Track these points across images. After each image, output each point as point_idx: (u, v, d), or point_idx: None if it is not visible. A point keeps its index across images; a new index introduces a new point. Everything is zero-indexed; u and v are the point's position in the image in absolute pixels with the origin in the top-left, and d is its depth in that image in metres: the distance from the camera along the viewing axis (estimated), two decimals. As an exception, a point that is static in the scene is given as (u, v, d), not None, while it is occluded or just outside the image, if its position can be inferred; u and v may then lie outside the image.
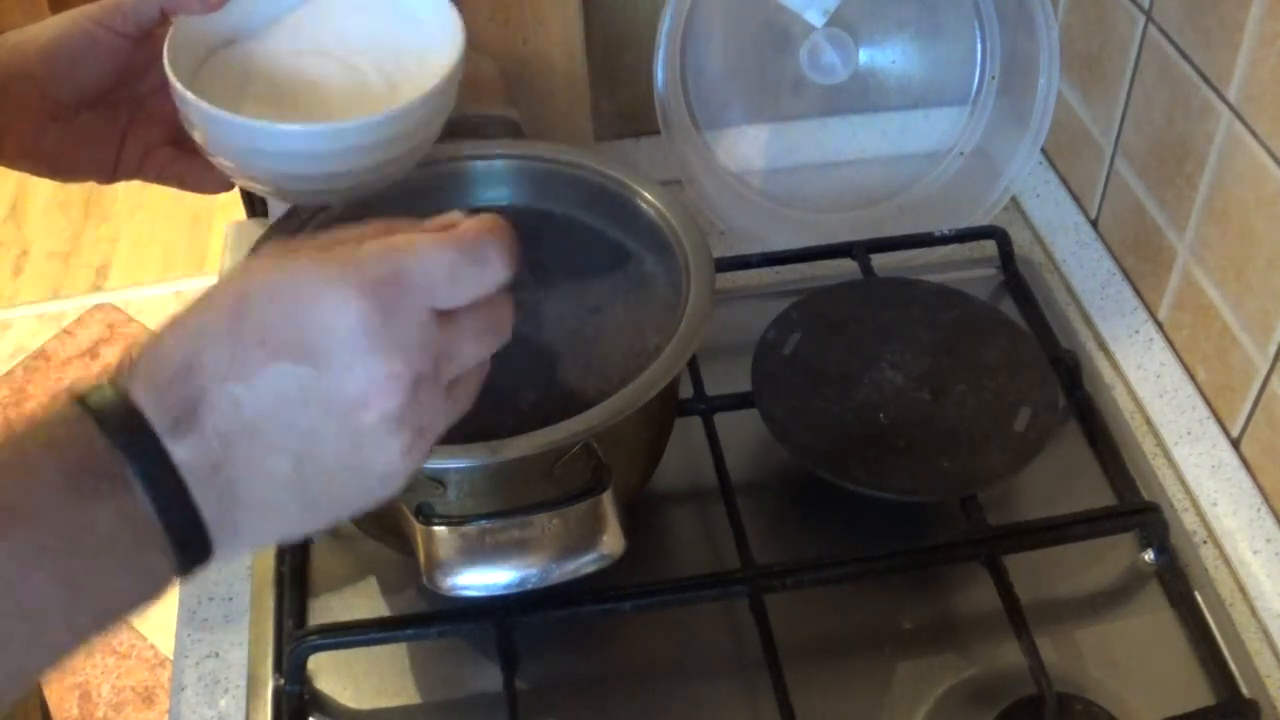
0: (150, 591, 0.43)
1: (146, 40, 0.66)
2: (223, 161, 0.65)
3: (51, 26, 0.65)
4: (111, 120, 0.68)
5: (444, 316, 0.45)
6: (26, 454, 0.41)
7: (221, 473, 0.42)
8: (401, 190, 0.67)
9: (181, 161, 0.69)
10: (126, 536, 0.41)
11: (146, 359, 0.43)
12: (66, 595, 0.41)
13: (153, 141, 0.69)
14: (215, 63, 0.68)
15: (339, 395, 0.43)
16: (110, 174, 0.69)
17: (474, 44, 0.68)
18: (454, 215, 0.47)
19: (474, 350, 0.47)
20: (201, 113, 0.62)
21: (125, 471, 0.41)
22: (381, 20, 0.70)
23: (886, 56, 0.97)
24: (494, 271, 0.46)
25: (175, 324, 0.44)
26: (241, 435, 0.42)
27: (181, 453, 0.42)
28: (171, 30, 0.65)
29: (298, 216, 0.72)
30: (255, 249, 0.70)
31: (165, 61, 0.63)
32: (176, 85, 0.62)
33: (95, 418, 0.41)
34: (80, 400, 0.42)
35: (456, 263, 0.45)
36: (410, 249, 0.44)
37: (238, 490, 0.43)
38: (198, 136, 0.64)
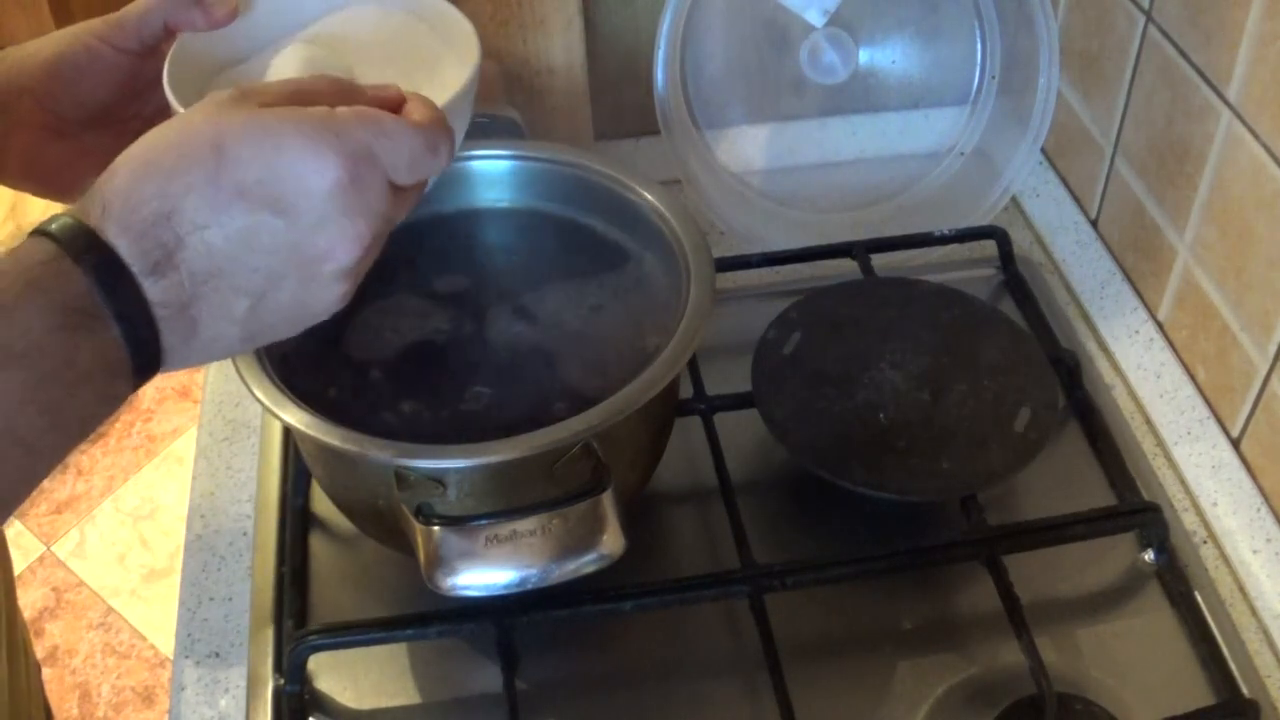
0: (110, 411, 0.47)
1: (150, 57, 0.65)
2: None
3: (54, 42, 0.64)
4: (115, 139, 0.67)
5: (395, 189, 0.50)
6: (6, 294, 0.44)
7: (188, 311, 0.47)
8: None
9: None
10: (102, 369, 0.45)
11: (120, 201, 0.46)
12: (53, 424, 0.45)
13: None
14: (221, 82, 0.67)
15: (307, 247, 0.48)
16: None
17: (480, 52, 0.68)
18: (393, 88, 0.53)
19: (418, 195, 0.53)
20: None
21: (105, 312, 0.45)
22: (395, 38, 0.69)
23: (886, 56, 0.97)
24: (441, 161, 0.51)
25: (146, 166, 0.47)
26: (212, 278, 0.47)
27: (156, 293, 0.46)
28: (174, 48, 0.63)
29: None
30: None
31: (165, 80, 0.61)
32: (175, 103, 0.61)
33: (71, 256, 0.45)
34: (47, 234, 0.45)
35: (418, 149, 0.50)
36: (382, 128, 0.49)
37: (198, 325, 0.47)
38: None
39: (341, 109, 0.49)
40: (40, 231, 0.45)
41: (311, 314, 0.51)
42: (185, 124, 0.48)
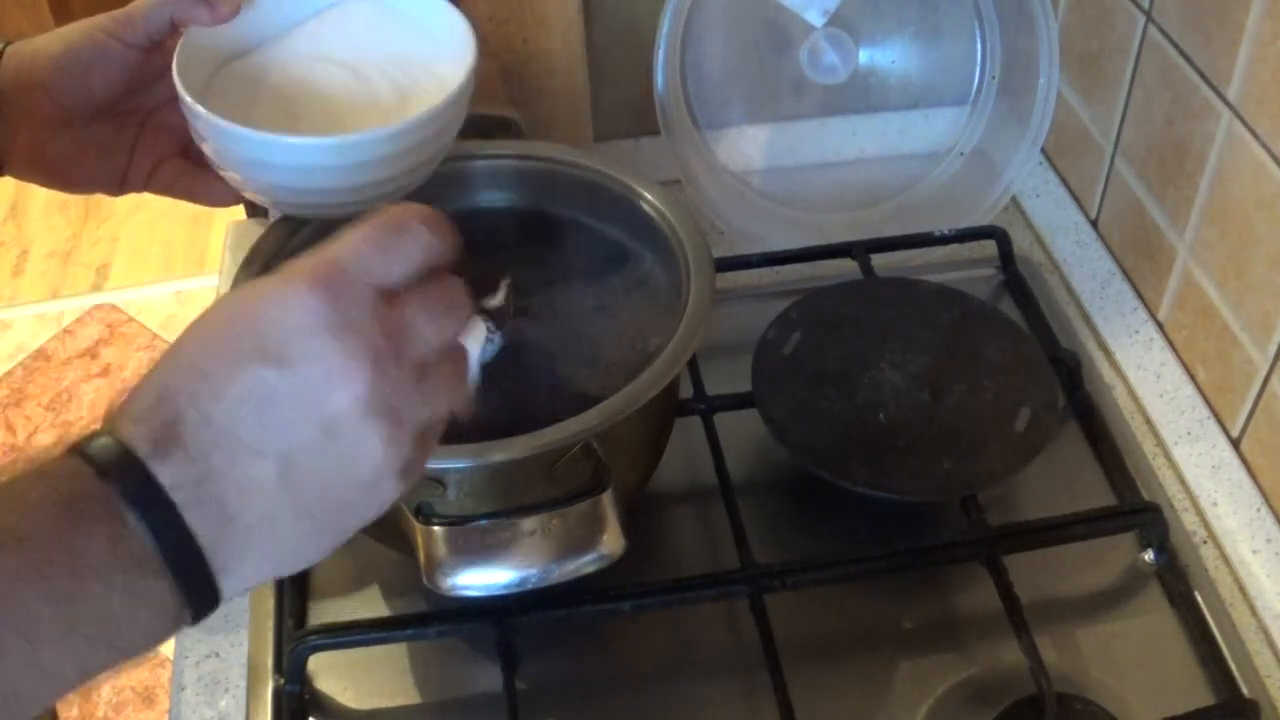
0: (157, 623, 0.43)
1: (157, 51, 0.66)
2: (232, 175, 0.65)
3: (62, 37, 0.65)
4: (121, 131, 0.68)
5: (390, 295, 0.46)
6: (18, 485, 0.42)
7: (207, 487, 0.43)
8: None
9: (191, 174, 0.69)
10: (121, 560, 0.42)
11: (128, 399, 0.44)
12: (60, 617, 0.41)
13: (162, 153, 0.69)
14: (226, 75, 0.68)
15: (304, 385, 0.44)
16: (119, 186, 0.69)
17: (477, 48, 0.68)
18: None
19: (432, 329, 0.47)
20: (210, 125, 0.62)
21: (113, 497, 0.42)
22: (393, 32, 0.70)
23: (886, 56, 0.97)
24: (419, 238, 0.47)
25: (150, 368, 0.45)
26: (219, 445, 0.43)
27: (165, 473, 0.42)
28: (181, 42, 0.65)
29: (297, 218, 0.72)
30: (254, 248, 0.70)
31: (175, 73, 0.63)
32: (185, 97, 0.62)
33: (84, 454, 0.43)
34: (73, 445, 0.43)
35: (382, 237, 0.47)
36: (340, 242, 0.46)
37: (228, 504, 0.43)
38: (207, 149, 0.64)
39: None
40: (70, 446, 0.44)
41: (365, 473, 0.46)
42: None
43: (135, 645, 0.43)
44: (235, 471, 0.43)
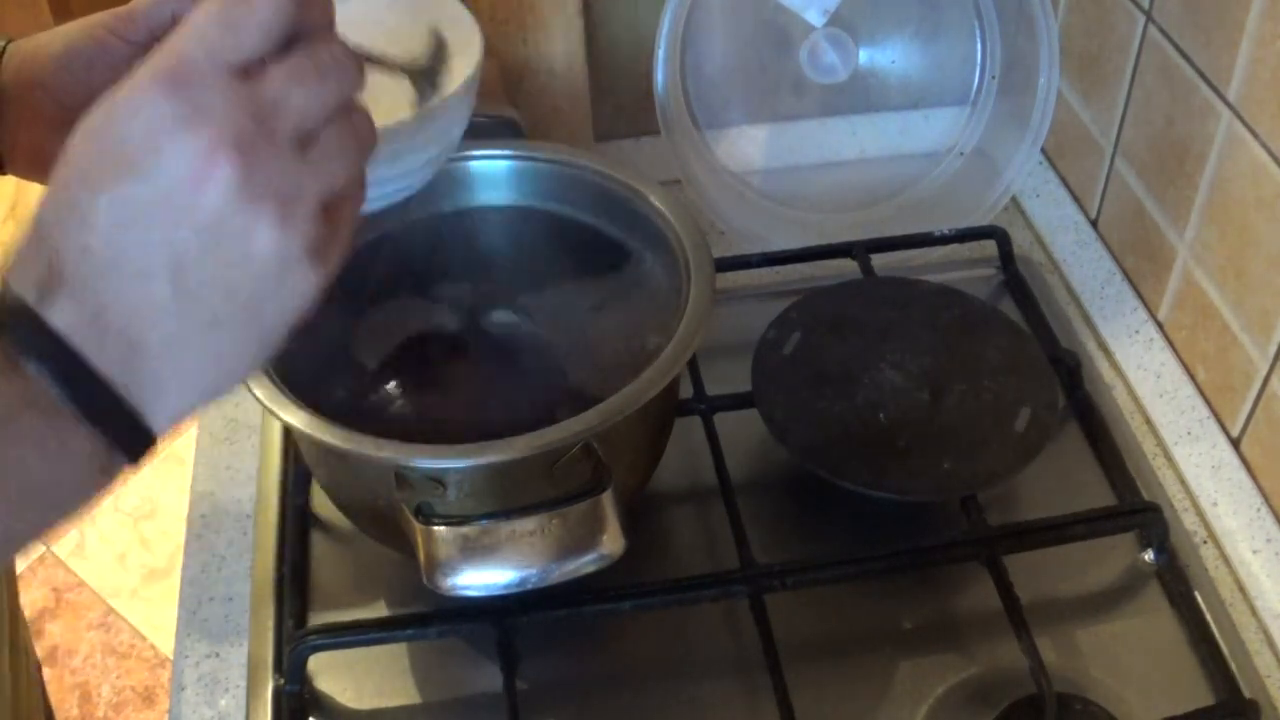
0: (84, 474, 0.42)
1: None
2: None
3: (62, 35, 0.65)
4: None
5: (246, 72, 0.42)
6: None
7: (104, 321, 0.41)
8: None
9: None
10: (31, 414, 0.41)
11: (10, 252, 0.42)
12: None
13: None
14: None
15: (171, 190, 0.41)
16: None
17: (484, 46, 0.68)
18: None
19: (305, 94, 0.44)
20: None
21: (8, 350, 0.40)
22: (395, 33, 0.70)
23: (886, 56, 0.97)
24: (264, 3, 0.43)
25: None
26: (104, 274, 0.41)
27: (56, 315, 0.41)
28: None
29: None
30: None
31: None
32: None
33: None
34: None
35: (222, 10, 0.42)
36: (178, 30, 0.43)
37: (129, 333, 0.42)
38: None
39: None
40: None
41: (269, 268, 0.43)
42: None
43: (66, 500, 0.42)
44: (127, 297, 0.41)
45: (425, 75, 0.59)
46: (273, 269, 0.43)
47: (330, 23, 0.46)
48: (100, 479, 0.43)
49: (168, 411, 0.43)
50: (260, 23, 0.43)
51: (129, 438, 0.43)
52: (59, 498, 0.42)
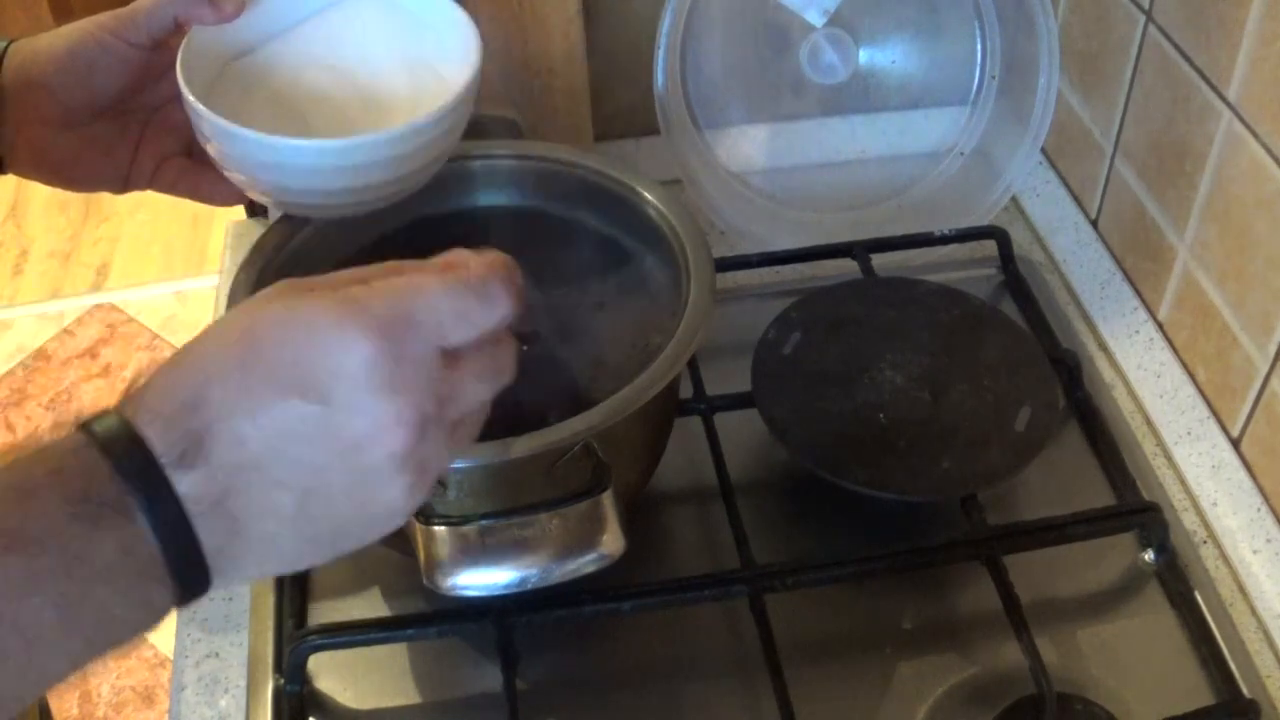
0: (148, 620, 0.43)
1: (160, 50, 0.66)
2: (236, 175, 0.65)
3: (64, 36, 0.65)
4: (124, 130, 0.68)
5: (449, 357, 0.45)
6: (30, 479, 0.41)
7: (224, 506, 0.43)
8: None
9: (194, 173, 0.69)
10: (127, 566, 0.41)
11: (153, 391, 0.43)
12: (63, 620, 0.41)
13: (166, 152, 0.69)
14: (230, 75, 0.68)
15: (346, 434, 0.43)
16: (122, 184, 0.69)
17: (481, 49, 0.68)
18: (459, 253, 0.48)
19: (476, 390, 0.47)
20: (215, 126, 0.61)
21: (129, 502, 0.41)
22: (398, 31, 0.69)
23: (886, 56, 0.97)
24: (500, 309, 0.46)
25: (182, 355, 0.44)
26: (247, 470, 0.43)
27: (186, 486, 0.42)
28: (185, 41, 0.64)
29: (298, 218, 0.72)
30: (255, 247, 0.70)
31: (179, 73, 0.62)
32: (189, 98, 0.62)
33: (100, 446, 0.41)
34: (85, 427, 0.42)
35: (463, 301, 0.45)
36: (419, 290, 0.45)
37: (240, 524, 0.43)
38: (211, 150, 0.64)
39: (377, 281, 0.45)
40: (80, 424, 0.43)
41: (378, 513, 0.46)
42: (225, 318, 0.46)
43: (126, 639, 0.43)
44: (255, 496, 0.43)
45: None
46: (383, 516, 0.46)
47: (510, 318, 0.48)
48: (157, 624, 0.44)
49: (229, 579, 0.45)
50: (486, 326, 0.46)
51: (193, 593, 0.44)
52: (122, 638, 0.43)
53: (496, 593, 0.59)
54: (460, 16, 0.68)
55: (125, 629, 0.43)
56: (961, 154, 0.99)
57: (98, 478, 0.41)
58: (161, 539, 0.42)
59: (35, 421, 2.12)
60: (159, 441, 0.42)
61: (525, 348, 0.54)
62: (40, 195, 2.52)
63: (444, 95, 0.64)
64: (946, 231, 0.92)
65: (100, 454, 0.41)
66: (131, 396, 0.43)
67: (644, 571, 0.72)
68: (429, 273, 0.46)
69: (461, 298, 0.45)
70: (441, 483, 0.61)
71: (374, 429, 0.43)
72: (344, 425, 0.43)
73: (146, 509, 0.41)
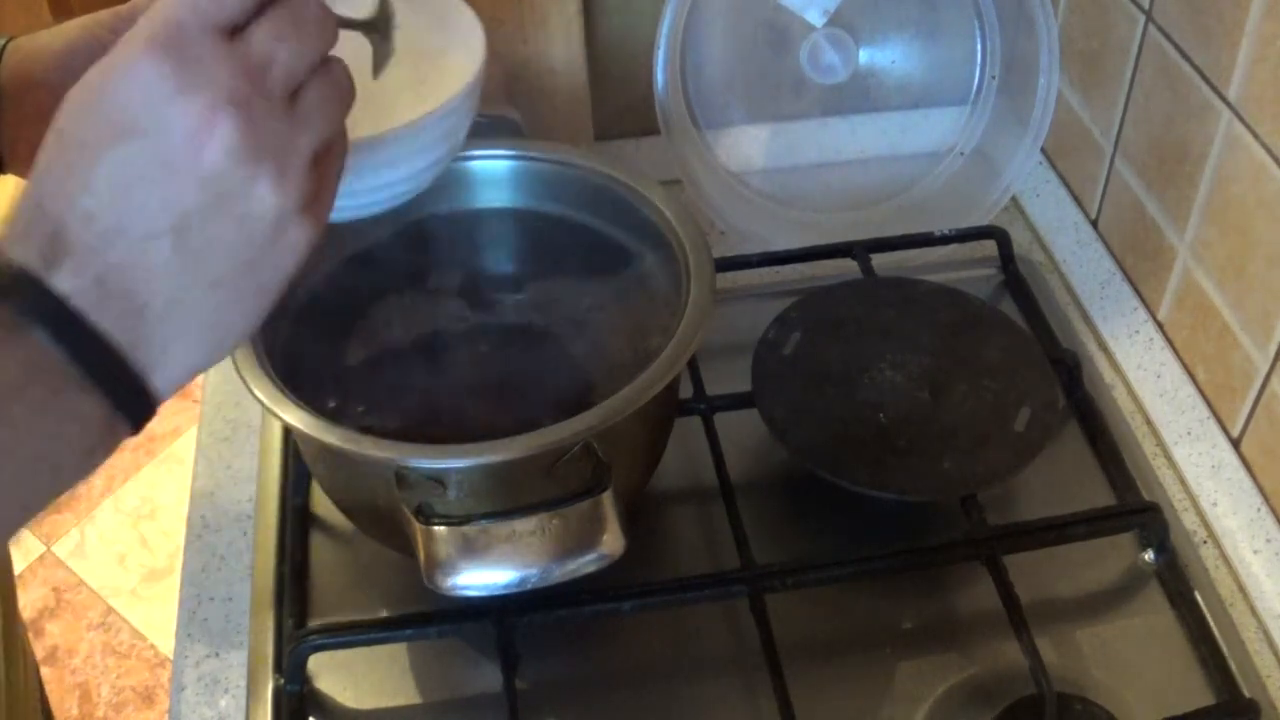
0: (91, 437, 0.43)
1: None
2: None
3: (62, 34, 0.65)
4: None
5: (236, 33, 0.43)
6: None
7: (108, 285, 0.42)
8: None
9: None
10: (39, 380, 0.41)
11: (7, 222, 0.43)
12: None
13: None
14: None
15: (172, 152, 0.42)
16: None
17: (487, 49, 0.68)
18: None
19: (290, 51, 0.45)
20: None
21: (15, 317, 0.41)
22: (402, 30, 0.69)
23: (886, 56, 0.97)
24: None
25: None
26: (109, 238, 0.42)
27: (62, 282, 0.41)
28: None
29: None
30: None
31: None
32: None
33: None
34: None
35: None
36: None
37: (133, 296, 0.42)
38: None
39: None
40: None
41: (266, 226, 0.44)
42: None
43: (71, 465, 0.43)
44: (130, 259, 0.42)
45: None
46: (271, 225, 0.44)
47: None
48: (103, 444, 0.43)
49: (170, 374, 0.44)
50: None
51: (132, 401, 0.43)
52: (63, 463, 0.43)
53: (496, 593, 0.59)
54: (465, 11, 0.68)
55: (66, 451, 0.42)
56: (961, 154, 0.99)
57: None
58: (60, 340, 0.41)
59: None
60: (23, 254, 0.42)
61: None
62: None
63: (448, 93, 0.64)
64: (946, 231, 0.92)
65: None
66: None
67: (644, 571, 0.72)
68: None
69: None
70: (441, 483, 0.61)
71: (193, 132, 0.42)
72: (164, 145, 0.42)
73: (31, 315, 0.41)
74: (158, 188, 0.42)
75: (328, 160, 0.46)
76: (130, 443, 0.45)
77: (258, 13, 0.44)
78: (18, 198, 0.43)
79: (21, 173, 0.67)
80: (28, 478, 0.42)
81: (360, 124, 0.66)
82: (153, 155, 0.42)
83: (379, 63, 0.64)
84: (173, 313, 0.43)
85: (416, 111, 0.63)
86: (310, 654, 0.69)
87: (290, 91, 0.45)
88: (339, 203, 0.66)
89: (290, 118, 0.44)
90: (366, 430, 0.62)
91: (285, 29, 0.45)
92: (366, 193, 0.64)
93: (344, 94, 0.47)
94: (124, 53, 0.42)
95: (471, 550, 0.59)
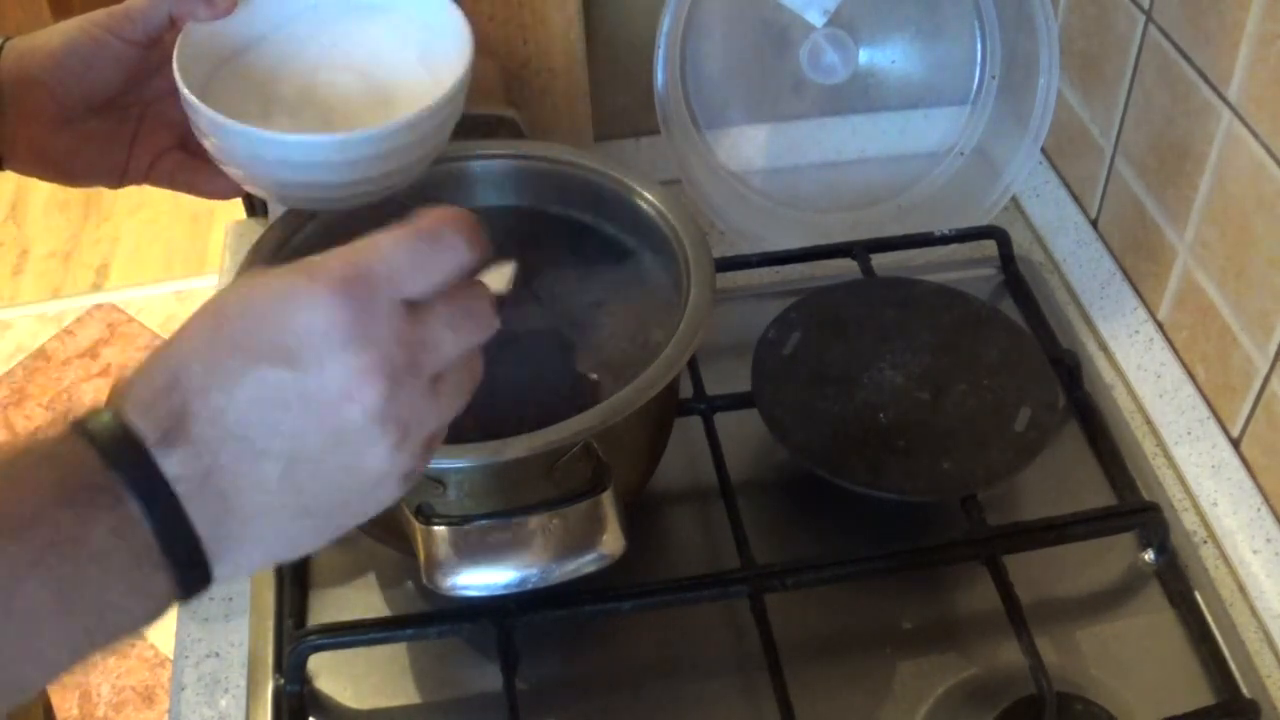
0: (149, 610, 0.44)
1: (155, 46, 0.66)
2: (232, 170, 0.65)
3: (60, 33, 0.65)
4: (120, 125, 0.68)
5: (415, 307, 0.45)
6: (22, 468, 0.42)
7: (211, 482, 0.43)
8: (401, 191, 0.67)
9: (190, 167, 0.69)
10: (122, 550, 0.42)
11: (136, 379, 0.44)
12: (60, 605, 0.41)
13: (162, 146, 0.69)
14: (226, 71, 0.68)
15: (318, 393, 0.43)
16: (119, 179, 0.69)
17: (474, 44, 0.68)
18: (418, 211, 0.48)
19: (453, 340, 0.47)
20: (211, 121, 0.62)
21: (118, 485, 0.41)
22: (392, 27, 0.70)
23: (886, 56, 0.97)
24: (454, 250, 0.46)
25: (163, 344, 0.45)
26: (228, 443, 0.43)
27: (171, 465, 0.42)
28: (181, 37, 0.65)
29: (297, 217, 0.72)
30: (255, 247, 0.70)
31: (175, 69, 0.63)
32: (186, 94, 0.62)
33: (88, 435, 0.42)
34: (78, 424, 0.43)
35: (415, 248, 0.45)
36: (372, 246, 0.45)
37: (230, 499, 0.43)
38: (209, 145, 0.64)
39: (336, 249, 0.46)
40: (72, 422, 0.43)
41: (369, 477, 0.46)
42: (207, 300, 0.46)
43: (126, 630, 0.44)
44: (240, 468, 0.43)
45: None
46: (370, 483, 0.46)
47: (480, 265, 0.48)
48: (159, 613, 0.45)
49: (232, 569, 0.45)
50: (443, 268, 0.46)
51: (192, 583, 0.44)
52: (123, 626, 0.44)
53: (496, 593, 0.60)
54: (454, 11, 0.68)
55: (124, 618, 0.43)
56: (961, 154, 0.99)
57: (87, 464, 0.41)
58: (153, 520, 0.42)
59: (35, 421, 2.12)
60: (142, 424, 0.42)
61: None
62: (40, 195, 2.52)
63: (438, 89, 0.64)
64: (946, 231, 0.92)
65: (87, 442, 0.42)
66: (117, 388, 0.44)
67: (644, 571, 0.72)
68: (382, 232, 0.46)
69: (415, 245, 0.45)
70: (441, 483, 0.61)
71: (344, 383, 0.43)
72: (314, 385, 0.43)
73: (135, 490, 0.42)
74: (291, 416, 0.44)
75: (438, 438, 0.48)
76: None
77: (446, 295, 0.46)
78: (150, 361, 0.44)
79: (20, 170, 0.67)
80: (86, 637, 0.43)
81: (351, 119, 0.67)
82: (300, 388, 0.43)
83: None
84: (258, 524, 0.45)
85: (407, 108, 0.64)
86: (310, 654, 0.69)
87: (436, 375, 0.46)
88: (327, 194, 0.66)
89: (429, 399, 0.46)
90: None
91: (458, 319, 0.47)
92: (355, 185, 0.65)
93: (474, 384, 0.49)
94: (311, 280, 0.44)
95: (471, 550, 0.59)
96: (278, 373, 0.43)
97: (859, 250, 0.90)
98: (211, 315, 0.45)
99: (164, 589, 0.43)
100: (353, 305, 0.43)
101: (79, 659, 0.43)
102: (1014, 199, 1.01)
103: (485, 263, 0.48)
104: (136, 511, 0.42)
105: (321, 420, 0.44)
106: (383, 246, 0.45)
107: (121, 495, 0.41)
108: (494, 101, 0.91)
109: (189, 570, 0.44)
